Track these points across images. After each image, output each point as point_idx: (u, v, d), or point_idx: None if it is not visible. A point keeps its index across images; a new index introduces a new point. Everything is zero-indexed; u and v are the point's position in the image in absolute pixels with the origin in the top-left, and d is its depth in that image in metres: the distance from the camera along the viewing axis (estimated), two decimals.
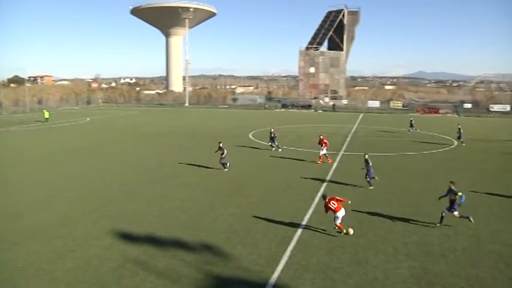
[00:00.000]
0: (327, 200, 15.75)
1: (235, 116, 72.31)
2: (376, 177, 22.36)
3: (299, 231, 15.80)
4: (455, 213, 16.02)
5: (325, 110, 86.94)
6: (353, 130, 49.98)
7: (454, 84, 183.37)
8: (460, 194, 15.79)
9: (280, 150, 33.78)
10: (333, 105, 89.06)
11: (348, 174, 25.37)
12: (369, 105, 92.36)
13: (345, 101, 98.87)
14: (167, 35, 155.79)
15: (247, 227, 16.20)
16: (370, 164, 22.36)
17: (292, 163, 29.03)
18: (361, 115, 74.13)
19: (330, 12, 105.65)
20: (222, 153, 26.50)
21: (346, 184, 22.91)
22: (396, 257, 13.75)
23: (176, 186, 22.51)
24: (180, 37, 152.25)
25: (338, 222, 15.54)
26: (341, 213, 15.48)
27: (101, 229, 16.16)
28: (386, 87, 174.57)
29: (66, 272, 12.75)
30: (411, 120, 49.83)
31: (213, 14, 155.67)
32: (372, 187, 22.10)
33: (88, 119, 67.57)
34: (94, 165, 28.60)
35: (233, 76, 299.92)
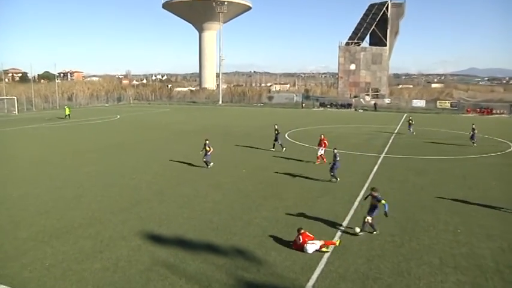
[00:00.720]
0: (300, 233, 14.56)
1: (271, 115, 72.23)
2: (337, 178, 23.66)
3: (337, 237, 15.65)
4: (368, 217, 15.86)
5: (366, 110, 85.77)
6: (396, 131, 49.27)
7: None
8: (383, 202, 15.72)
9: (284, 150, 33.59)
10: (375, 104, 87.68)
11: (389, 178, 25.04)
12: (413, 105, 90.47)
13: (387, 100, 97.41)
14: (200, 29, 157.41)
15: (282, 232, 16.14)
16: (338, 159, 23.90)
17: (327, 164, 28.29)
18: (405, 115, 72.77)
19: (372, 5, 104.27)
20: (207, 152, 27.26)
21: (388, 188, 22.43)
22: (442, 269, 13.35)
23: (208, 187, 22.71)
24: (214, 32, 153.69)
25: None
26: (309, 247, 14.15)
27: (129, 230, 16.43)
28: (433, 85, 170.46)
29: (93, 273, 13.03)
30: (409, 120, 48.39)
31: (248, 8, 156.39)
32: (336, 180, 23.58)
33: (118, 116, 68.90)
34: (123, 163, 29.15)
35: (268, 73, 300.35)
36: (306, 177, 25.18)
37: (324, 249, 14.44)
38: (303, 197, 20.95)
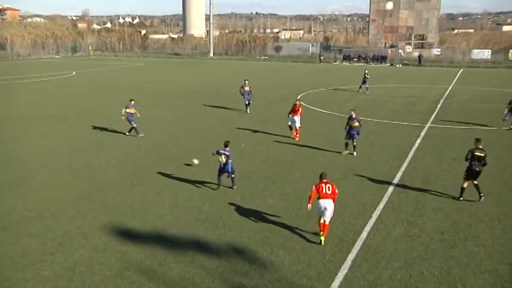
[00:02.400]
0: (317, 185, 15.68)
1: (279, 72, 72.06)
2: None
3: (364, 233, 15.64)
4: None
5: (407, 64, 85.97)
6: (447, 93, 49.19)
7: None
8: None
9: (248, 112, 37.71)
10: (419, 56, 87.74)
11: (437, 155, 25.10)
12: (473, 57, 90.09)
13: (436, 51, 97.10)
14: None
15: (293, 225, 16.16)
16: (356, 125, 24.84)
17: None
18: (460, 71, 72.85)
19: None
20: (131, 115, 29.19)
21: (436, 169, 22.57)
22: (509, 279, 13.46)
23: (195, 167, 22.65)
24: None
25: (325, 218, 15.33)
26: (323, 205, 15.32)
27: (91, 224, 16.37)
28: (505, 28, 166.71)
29: (40, 282, 12.78)
30: (365, 74, 49.55)
31: None
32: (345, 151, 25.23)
33: (74, 72, 69.10)
34: (83, 137, 29.28)
35: (275, 15, 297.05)
36: (325, 150, 25.45)
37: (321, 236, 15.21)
38: None
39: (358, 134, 25.09)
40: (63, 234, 15.65)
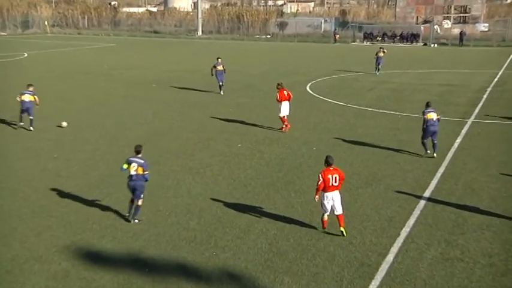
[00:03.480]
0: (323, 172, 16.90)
1: (283, 54, 72.27)
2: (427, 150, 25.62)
3: (391, 255, 15.51)
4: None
5: (445, 44, 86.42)
6: (496, 80, 49.32)
7: None
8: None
9: (221, 94, 41.51)
10: (461, 34, 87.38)
11: (482, 158, 25.00)
12: None
13: (483, 26, 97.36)
14: None
15: (302, 246, 16.12)
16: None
17: (380, 136, 29.16)
18: None
19: None
20: (26, 103, 29.42)
21: (481, 177, 22.37)
22: None
23: (183, 170, 23.15)
24: None
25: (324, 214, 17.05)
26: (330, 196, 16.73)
27: (48, 244, 16.20)
28: None
29: None
30: (381, 50, 51.86)
31: None
32: (426, 153, 25.30)
33: (25, 54, 69.23)
34: (37, 136, 29.17)
35: None
36: (340, 153, 25.21)
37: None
38: None
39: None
40: (12, 259, 15.39)
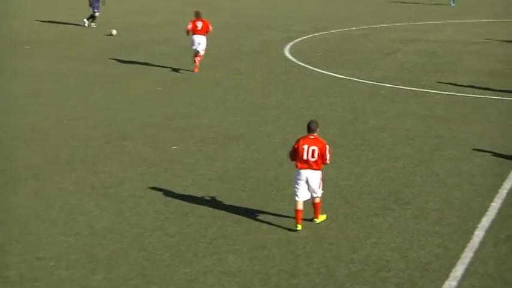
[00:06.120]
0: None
1: None
2: None
3: None
4: None
5: None
6: None
7: None
8: None
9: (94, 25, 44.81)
10: None
11: None
12: None
13: None
14: None
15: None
16: None
17: (406, 130, 29.37)
18: None
19: None
20: None
21: None
22: None
23: (75, 190, 21.92)
24: None
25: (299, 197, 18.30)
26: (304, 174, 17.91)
27: None
28: None
29: None
30: None
31: None
32: None
33: None
34: None
35: None
36: (344, 157, 24.64)
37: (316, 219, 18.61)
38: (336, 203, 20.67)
39: None
40: None
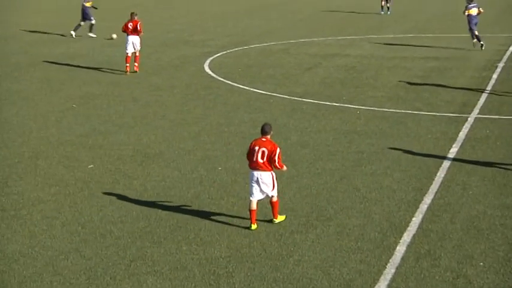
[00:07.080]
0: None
1: (169, 10, 76.94)
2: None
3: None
4: None
5: None
6: (510, 50, 50.74)
7: None
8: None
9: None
10: None
11: (491, 177, 24.89)
12: None
13: None
14: None
15: None
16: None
17: (327, 145, 29.47)
18: None
19: None
20: None
21: (489, 209, 21.85)
22: None
23: (0, 216, 21.21)
24: None
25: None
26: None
27: None
28: None
29: None
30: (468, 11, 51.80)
31: None
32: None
33: None
34: None
35: None
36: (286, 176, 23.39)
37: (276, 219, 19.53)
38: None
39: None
40: None
